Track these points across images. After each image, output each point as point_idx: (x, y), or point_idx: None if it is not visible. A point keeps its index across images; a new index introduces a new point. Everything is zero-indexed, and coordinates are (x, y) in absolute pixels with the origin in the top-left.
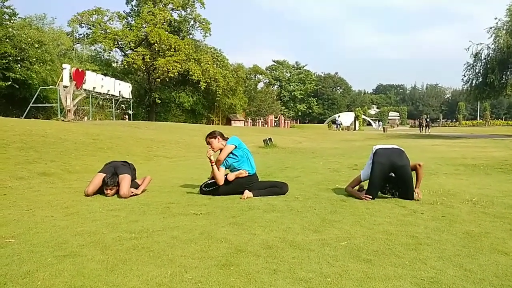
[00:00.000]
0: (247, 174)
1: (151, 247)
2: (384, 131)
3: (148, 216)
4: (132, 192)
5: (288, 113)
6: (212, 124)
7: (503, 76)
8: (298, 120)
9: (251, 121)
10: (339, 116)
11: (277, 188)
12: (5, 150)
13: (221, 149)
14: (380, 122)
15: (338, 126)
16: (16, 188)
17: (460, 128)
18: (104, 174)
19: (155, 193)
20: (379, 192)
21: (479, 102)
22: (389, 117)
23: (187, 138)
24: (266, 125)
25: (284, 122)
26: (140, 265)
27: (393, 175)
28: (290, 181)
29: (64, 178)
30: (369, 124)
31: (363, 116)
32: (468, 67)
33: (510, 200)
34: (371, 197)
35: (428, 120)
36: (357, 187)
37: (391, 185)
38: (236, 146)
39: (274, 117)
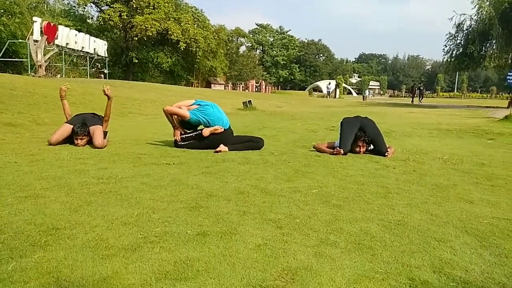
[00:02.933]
0: (222, 130)
1: (118, 191)
2: (363, 99)
3: (118, 165)
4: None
5: (270, 78)
6: (192, 86)
7: (483, 48)
8: (279, 86)
9: (231, 85)
10: (329, 84)
11: (253, 143)
12: None
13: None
14: (371, 91)
15: (329, 94)
16: None
17: (438, 99)
18: (72, 125)
19: (127, 145)
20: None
21: (457, 75)
22: (369, 86)
23: (164, 98)
24: (247, 90)
25: (266, 87)
26: (105, 207)
27: (363, 133)
28: (267, 138)
29: (32, 129)
30: (350, 92)
31: (344, 85)
32: (450, 38)
33: (479, 159)
34: (342, 151)
35: (422, 88)
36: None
37: (363, 133)
38: (196, 102)
39: (255, 82)
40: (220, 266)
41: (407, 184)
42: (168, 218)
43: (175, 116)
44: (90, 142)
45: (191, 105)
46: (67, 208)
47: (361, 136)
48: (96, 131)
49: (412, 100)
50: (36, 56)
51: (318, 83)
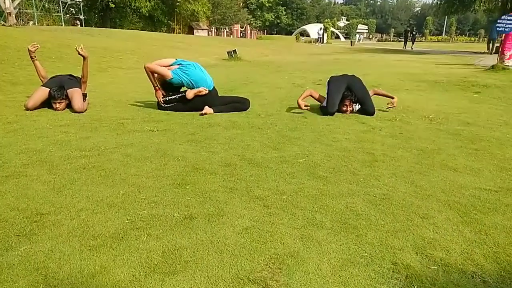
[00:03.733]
0: (207, 91)
1: (102, 165)
2: (351, 45)
3: (100, 133)
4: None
5: (255, 22)
6: (173, 32)
7: None
8: (265, 31)
9: (215, 30)
10: (320, 29)
11: (239, 104)
12: None
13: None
14: (361, 36)
15: (320, 40)
16: None
17: (426, 44)
18: (48, 89)
19: (108, 107)
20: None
21: (446, 18)
22: (357, 30)
23: (145, 48)
24: (231, 36)
25: (251, 33)
26: (90, 185)
27: (350, 92)
28: (253, 96)
29: (7, 91)
30: (337, 37)
31: (332, 29)
32: None
33: (465, 117)
34: (306, 107)
35: (414, 33)
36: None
37: (350, 92)
38: (176, 62)
39: (240, 27)
40: (208, 256)
41: (393, 150)
42: (154, 197)
43: (157, 75)
44: (69, 106)
45: (171, 65)
46: (50, 189)
47: (348, 96)
48: (75, 94)
49: (405, 46)
50: (4, 3)
51: (305, 27)
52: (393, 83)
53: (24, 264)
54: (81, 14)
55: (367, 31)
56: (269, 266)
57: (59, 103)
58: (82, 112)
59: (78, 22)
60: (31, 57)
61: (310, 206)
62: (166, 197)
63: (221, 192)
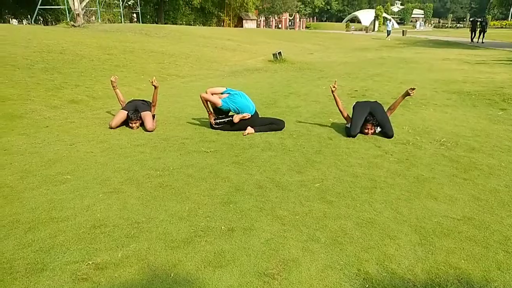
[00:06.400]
0: (249, 116)
1: (172, 184)
2: (403, 35)
3: (168, 153)
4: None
5: (305, 9)
6: (223, 25)
7: None
8: (315, 17)
9: (264, 19)
10: (390, 21)
11: (275, 125)
12: (32, 73)
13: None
14: (422, 23)
15: (389, 33)
16: (54, 118)
17: (489, 31)
18: (126, 111)
19: (172, 126)
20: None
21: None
22: (412, 15)
23: (197, 50)
24: (280, 25)
25: (300, 21)
26: (166, 201)
27: (372, 117)
28: (290, 112)
29: (91, 106)
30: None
31: (385, 15)
32: None
33: (474, 141)
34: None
35: (484, 23)
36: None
37: (372, 117)
38: (226, 91)
39: (289, 16)
40: (241, 257)
41: (394, 177)
42: (209, 213)
43: (209, 102)
44: (142, 125)
45: (222, 93)
46: (140, 203)
47: (370, 120)
48: (147, 116)
49: (472, 39)
50: (73, 4)
51: (356, 13)
52: (425, 95)
53: (134, 256)
54: (138, 7)
55: (423, 15)
56: (278, 266)
57: (134, 123)
58: (152, 131)
59: (135, 15)
60: (113, 86)
61: (314, 225)
62: (217, 213)
63: (253, 211)
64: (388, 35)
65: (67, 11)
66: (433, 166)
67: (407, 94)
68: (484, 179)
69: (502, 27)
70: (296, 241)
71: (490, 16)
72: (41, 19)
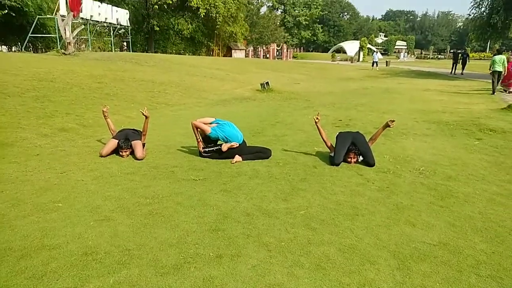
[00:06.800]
0: (237, 145)
1: (162, 212)
2: (387, 65)
3: (158, 181)
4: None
5: (292, 40)
6: (212, 54)
7: (508, 17)
8: (302, 48)
9: (252, 49)
10: (376, 52)
11: (262, 154)
12: (23, 100)
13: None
14: (405, 54)
15: (375, 65)
16: (44, 147)
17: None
18: (117, 140)
19: (161, 154)
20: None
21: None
22: (396, 46)
23: (187, 79)
24: (268, 55)
25: (287, 51)
26: (156, 229)
27: (354, 146)
28: (276, 140)
29: (81, 134)
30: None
31: (369, 46)
32: (475, 5)
33: (451, 170)
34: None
35: (466, 55)
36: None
37: (354, 147)
38: (215, 121)
39: (277, 46)
40: (229, 283)
41: (374, 205)
42: (197, 240)
43: (199, 130)
44: (132, 153)
45: (211, 122)
46: (131, 231)
47: (352, 149)
48: (137, 145)
49: (453, 71)
50: (65, 33)
51: (342, 44)
52: (406, 125)
53: (126, 282)
54: (128, 36)
55: (405, 47)
56: None
57: (125, 151)
58: (142, 159)
59: (125, 44)
60: (104, 115)
61: (298, 251)
62: (205, 240)
63: (241, 238)
64: (374, 65)
65: (58, 39)
66: (412, 194)
67: (387, 125)
68: (460, 206)
69: (480, 59)
70: (281, 267)
71: (469, 48)
72: (31, 46)
